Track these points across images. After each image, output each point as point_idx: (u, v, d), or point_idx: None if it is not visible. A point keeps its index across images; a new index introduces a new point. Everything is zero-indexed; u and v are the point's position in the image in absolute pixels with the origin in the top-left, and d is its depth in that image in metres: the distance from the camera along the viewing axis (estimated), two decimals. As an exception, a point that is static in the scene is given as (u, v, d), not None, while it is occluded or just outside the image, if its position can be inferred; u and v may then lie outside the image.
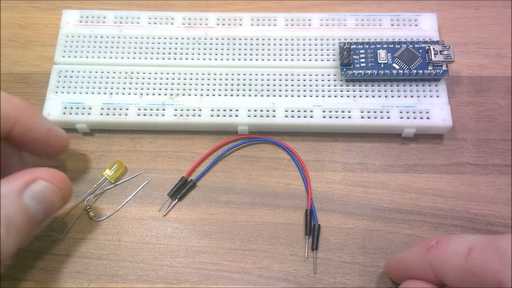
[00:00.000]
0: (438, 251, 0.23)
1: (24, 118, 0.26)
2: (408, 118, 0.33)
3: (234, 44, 0.36)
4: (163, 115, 0.34)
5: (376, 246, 0.31)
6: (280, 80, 0.35)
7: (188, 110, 0.34)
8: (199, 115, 0.33)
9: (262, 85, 0.34)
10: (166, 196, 0.32)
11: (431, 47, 0.34)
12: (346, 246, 0.31)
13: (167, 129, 0.34)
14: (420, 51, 0.34)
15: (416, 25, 0.36)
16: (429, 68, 0.33)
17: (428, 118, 0.33)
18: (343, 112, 0.33)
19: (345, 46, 0.34)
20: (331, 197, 0.32)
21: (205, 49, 0.36)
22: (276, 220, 0.32)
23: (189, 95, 0.34)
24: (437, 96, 0.34)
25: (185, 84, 0.35)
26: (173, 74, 0.35)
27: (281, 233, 0.31)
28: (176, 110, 0.34)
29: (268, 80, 0.35)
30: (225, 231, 0.31)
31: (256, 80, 0.35)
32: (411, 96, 0.34)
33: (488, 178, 0.32)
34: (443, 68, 0.33)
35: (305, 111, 0.33)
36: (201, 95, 0.34)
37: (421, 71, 0.33)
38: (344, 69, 0.34)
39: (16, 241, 0.24)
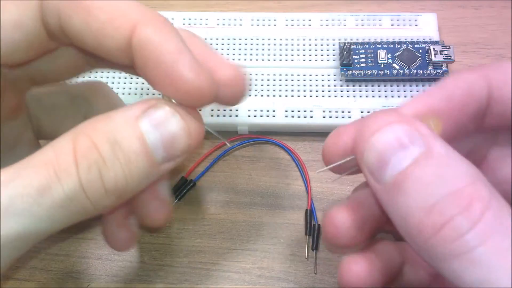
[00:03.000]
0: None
1: (146, 23, 0.20)
2: (408, 118, 0.33)
3: (234, 44, 0.36)
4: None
5: (376, 246, 0.31)
6: (280, 80, 0.35)
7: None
8: (199, 115, 0.33)
9: (262, 85, 0.34)
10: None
11: (431, 47, 0.34)
12: (346, 246, 0.31)
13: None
14: (420, 51, 0.34)
15: (416, 25, 0.36)
16: (429, 68, 0.33)
17: (428, 118, 0.33)
18: (343, 112, 0.33)
19: (345, 46, 0.34)
20: (331, 197, 0.32)
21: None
22: (276, 220, 0.32)
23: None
24: (437, 96, 0.34)
25: (185, 84, 0.34)
26: (173, 74, 0.35)
27: (281, 233, 0.31)
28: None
29: (268, 80, 0.35)
30: (225, 231, 0.31)
31: (256, 80, 0.35)
32: (411, 96, 0.34)
33: (488, 178, 0.32)
34: (443, 68, 0.33)
35: (305, 111, 0.33)
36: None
37: (421, 71, 0.33)
38: (344, 69, 0.34)
39: (126, 172, 0.19)
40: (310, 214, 0.31)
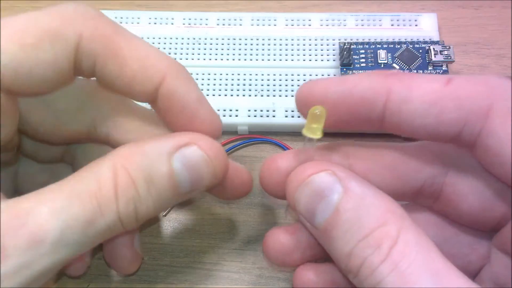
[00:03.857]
0: None
1: (173, 75, 0.23)
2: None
3: (234, 44, 0.36)
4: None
5: (376, 246, 0.31)
6: (280, 80, 0.35)
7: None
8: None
9: (262, 85, 0.35)
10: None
11: (431, 47, 0.34)
12: (346, 246, 0.31)
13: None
14: (420, 51, 0.34)
15: (416, 25, 0.36)
16: (429, 68, 0.34)
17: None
18: (342, 112, 0.33)
19: (345, 46, 0.34)
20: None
21: (205, 49, 0.36)
22: (276, 220, 0.32)
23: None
24: (437, 96, 0.34)
25: (185, 84, 0.34)
26: (173, 74, 0.35)
27: (281, 233, 0.31)
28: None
29: (268, 80, 0.35)
30: (225, 231, 0.31)
31: (256, 80, 0.35)
32: None
33: (488, 178, 0.32)
34: (443, 68, 0.33)
35: (304, 112, 0.33)
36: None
37: (421, 71, 0.33)
38: (344, 69, 0.34)
39: (155, 204, 0.21)
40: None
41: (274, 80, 0.35)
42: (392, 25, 0.37)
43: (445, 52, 0.33)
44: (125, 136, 0.25)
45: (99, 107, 0.25)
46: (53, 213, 0.19)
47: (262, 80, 0.35)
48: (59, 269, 0.20)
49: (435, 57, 0.33)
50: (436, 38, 0.36)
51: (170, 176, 0.21)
